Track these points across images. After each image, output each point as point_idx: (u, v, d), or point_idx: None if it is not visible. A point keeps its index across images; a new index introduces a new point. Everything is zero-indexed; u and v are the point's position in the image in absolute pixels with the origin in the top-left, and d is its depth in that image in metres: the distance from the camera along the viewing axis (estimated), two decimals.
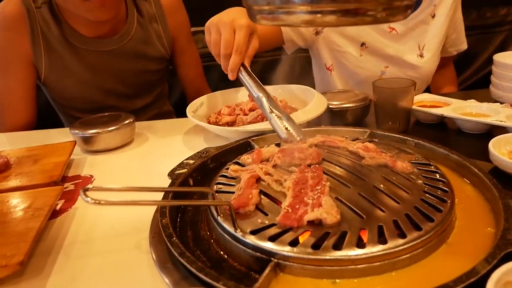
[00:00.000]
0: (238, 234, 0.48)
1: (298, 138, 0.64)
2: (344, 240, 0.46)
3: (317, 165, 0.59)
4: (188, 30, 1.36)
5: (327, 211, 0.48)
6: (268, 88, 1.03)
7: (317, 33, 1.25)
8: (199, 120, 0.89)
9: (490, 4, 1.79)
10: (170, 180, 0.64)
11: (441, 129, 0.92)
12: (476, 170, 0.60)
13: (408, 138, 0.73)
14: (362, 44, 1.23)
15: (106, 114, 0.99)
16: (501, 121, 0.80)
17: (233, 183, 0.59)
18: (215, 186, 0.59)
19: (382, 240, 0.45)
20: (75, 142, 0.88)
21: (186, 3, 1.35)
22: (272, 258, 0.46)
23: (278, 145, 0.70)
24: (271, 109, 0.70)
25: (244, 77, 0.81)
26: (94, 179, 0.80)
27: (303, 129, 0.77)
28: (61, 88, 1.20)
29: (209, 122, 0.95)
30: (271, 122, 0.68)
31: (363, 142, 0.68)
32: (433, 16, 1.23)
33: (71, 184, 0.77)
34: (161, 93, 1.38)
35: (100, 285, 0.51)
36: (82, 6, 1.02)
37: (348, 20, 0.40)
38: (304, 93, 1.00)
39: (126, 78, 1.24)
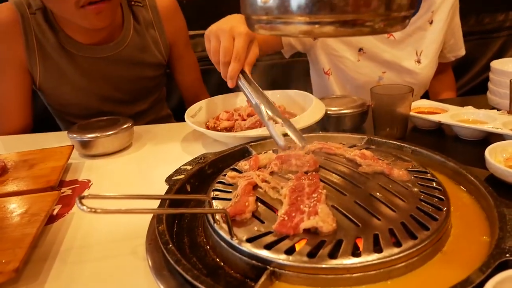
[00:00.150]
0: (234, 242, 0.48)
1: (300, 145, 0.63)
2: (340, 249, 0.46)
3: (314, 173, 0.60)
4: (186, 36, 1.35)
5: (323, 219, 0.48)
6: (267, 93, 1.03)
7: (315, 37, 1.25)
8: (198, 125, 0.90)
9: (488, 10, 1.80)
10: (168, 186, 0.64)
11: (439, 136, 0.92)
12: (472, 178, 0.60)
13: (405, 145, 0.73)
14: (360, 50, 1.24)
15: (105, 118, 0.99)
16: (498, 128, 0.80)
17: (230, 190, 0.60)
18: (212, 193, 0.60)
19: (377, 248, 0.46)
20: (73, 146, 0.88)
21: (185, 7, 1.35)
22: (268, 266, 0.46)
23: (275, 151, 0.70)
24: (269, 116, 0.70)
25: (243, 84, 0.82)
26: (92, 184, 0.80)
27: None
28: (57, 95, 1.19)
29: (207, 127, 0.95)
30: (269, 129, 0.68)
31: (360, 149, 0.68)
32: (431, 22, 1.24)
33: (69, 189, 0.77)
34: (158, 98, 1.38)
35: None
36: (78, 13, 1.01)
37: (346, 31, 0.40)
38: (303, 99, 1.00)
39: (122, 84, 1.24)
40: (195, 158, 0.73)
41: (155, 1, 1.25)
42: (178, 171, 0.69)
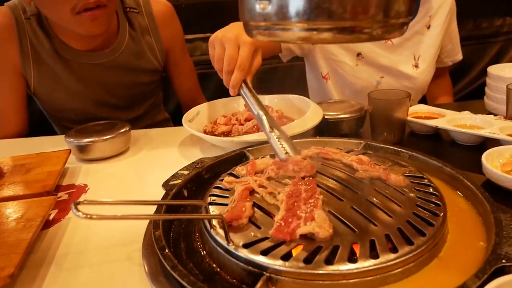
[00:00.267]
0: (231, 247, 0.48)
1: (282, 157, 0.65)
2: (336, 255, 0.46)
3: (311, 178, 0.60)
4: (182, 41, 1.35)
5: (320, 225, 0.48)
6: (265, 97, 1.04)
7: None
8: (195, 130, 0.90)
9: (485, 15, 1.81)
10: (164, 191, 0.64)
11: (436, 141, 0.92)
12: (469, 183, 0.60)
13: (403, 150, 0.73)
14: (358, 54, 1.24)
15: (102, 122, 0.99)
16: (495, 134, 0.81)
17: (227, 195, 0.59)
18: (209, 198, 0.59)
19: (374, 254, 0.46)
20: (70, 151, 0.88)
21: (184, 10, 1.35)
22: (264, 272, 0.45)
23: (273, 156, 0.70)
24: (271, 128, 0.70)
25: (246, 94, 0.81)
26: (88, 188, 0.79)
27: (298, 140, 0.78)
28: (51, 100, 1.19)
29: (205, 132, 0.95)
30: (271, 141, 0.68)
31: (357, 154, 0.68)
32: (428, 27, 1.24)
33: (65, 193, 0.77)
34: (154, 103, 1.37)
35: None
36: (73, 20, 1.01)
37: (344, 37, 0.40)
38: (300, 103, 1.00)
39: (118, 90, 1.23)
40: (193, 162, 0.73)
41: (151, 7, 1.25)
42: (175, 176, 0.69)
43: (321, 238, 0.48)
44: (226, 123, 0.96)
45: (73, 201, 0.54)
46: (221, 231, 0.51)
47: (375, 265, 0.44)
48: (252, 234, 0.50)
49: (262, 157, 0.71)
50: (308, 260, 0.45)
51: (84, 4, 0.98)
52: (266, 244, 0.48)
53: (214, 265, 0.51)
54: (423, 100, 1.42)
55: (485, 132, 0.82)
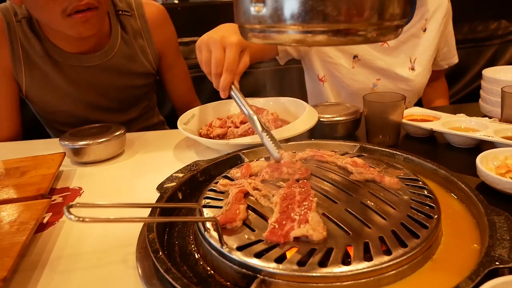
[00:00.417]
0: (225, 250, 0.48)
1: (275, 155, 0.66)
2: (330, 257, 0.46)
3: (305, 180, 0.60)
4: (176, 45, 1.34)
5: (314, 227, 0.48)
6: (260, 100, 1.04)
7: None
8: (190, 132, 0.89)
9: (481, 18, 1.82)
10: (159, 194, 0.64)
11: (431, 143, 0.92)
12: (463, 186, 0.60)
13: (397, 153, 0.73)
14: (355, 57, 1.24)
15: (97, 125, 0.99)
16: (489, 136, 0.81)
17: (221, 198, 0.59)
18: (203, 201, 0.59)
19: (367, 257, 0.46)
20: (64, 154, 0.88)
21: (180, 13, 1.35)
22: (258, 275, 0.45)
23: (267, 159, 0.70)
24: (263, 127, 0.71)
25: (236, 95, 0.81)
26: (83, 191, 0.79)
27: (293, 143, 0.78)
28: (43, 103, 1.18)
29: (200, 134, 0.95)
30: (263, 141, 0.69)
31: (352, 157, 0.68)
32: (424, 30, 1.25)
33: (59, 196, 0.77)
34: (148, 106, 1.37)
35: None
36: (64, 22, 1.00)
37: (338, 40, 0.40)
38: (295, 106, 1.00)
39: (110, 93, 1.23)
40: (187, 165, 0.73)
41: (143, 10, 1.24)
42: (169, 179, 0.68)
43: (315, 240, 0.48)
44: (221, 125, 0.96)
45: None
46: (215, 234, 0.50)
47: (369, 267, 0.44)
48: (246, 237, 0.50)
49: (257, 160, 0.71)
50: (302, 263, 0.45)
51: (75, 6, 0.97)
52: (260, 247, 0.48)
53: (208, 268, 0.51)
54: (419, 103, 1.43)
55: (480, 135, 0.83)
